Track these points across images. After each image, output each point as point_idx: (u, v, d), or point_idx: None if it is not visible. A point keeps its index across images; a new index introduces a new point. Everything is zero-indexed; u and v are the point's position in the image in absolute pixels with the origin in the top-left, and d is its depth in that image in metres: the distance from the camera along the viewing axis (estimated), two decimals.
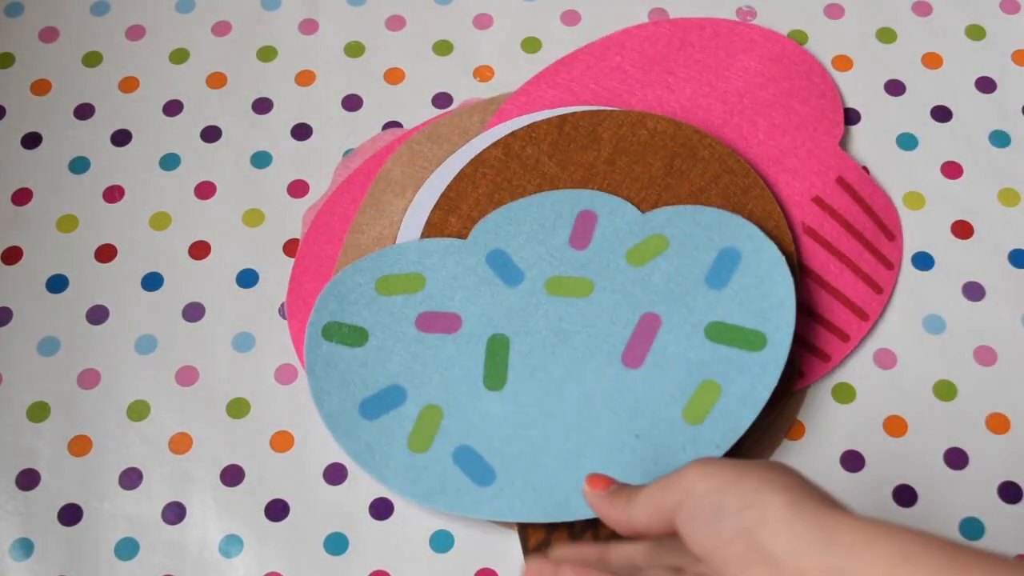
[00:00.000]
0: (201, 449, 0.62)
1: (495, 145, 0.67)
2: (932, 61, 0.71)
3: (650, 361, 0.62)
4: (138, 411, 0.63)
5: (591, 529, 0.60)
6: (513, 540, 0.60)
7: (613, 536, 0.59)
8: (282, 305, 0.65)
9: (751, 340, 0.62)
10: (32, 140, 0.69)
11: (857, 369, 0.64)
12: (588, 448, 0.60)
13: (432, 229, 0.65)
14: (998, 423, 0.62)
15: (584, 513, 0.59)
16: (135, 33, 0.72)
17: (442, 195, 0.66)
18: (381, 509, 0.61)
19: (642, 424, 0.61)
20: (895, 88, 0.70)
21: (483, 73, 0.71)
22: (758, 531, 0.45)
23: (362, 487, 0.61)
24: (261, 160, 0.69)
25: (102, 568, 0.59)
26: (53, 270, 0.66)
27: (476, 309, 0.63)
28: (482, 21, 0.73)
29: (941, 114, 0.69)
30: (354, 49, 0.72)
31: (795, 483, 0.46)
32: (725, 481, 0.47)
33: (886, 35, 0.72)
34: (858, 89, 0.70)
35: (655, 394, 0.61)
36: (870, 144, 0.69)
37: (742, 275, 0.63)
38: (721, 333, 0.62)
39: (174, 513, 0.60)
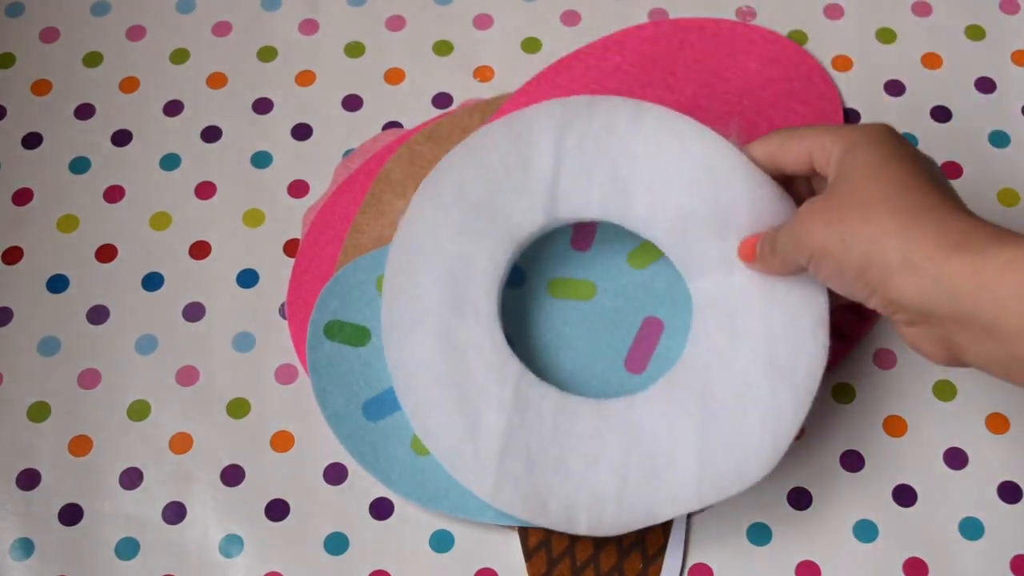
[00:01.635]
0: (201, 449, 0.62)
1: None
2: (932, 61, 0.71)
3: (653, 367, 0.62)
4: (138, 411, 0.63)
5: None
6: (513, 540, 0.60)
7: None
8: (282, 305, 0.65)
9: None
10: (32, 140, 0.69)
11: (857, 369, 0.64)
12: None
13: None
14: (998, 423, 0.62)
15: None
16: (135, 33, 0.72)
17: None
18: (381, 509, 0.61)
19: None
20: (895, 88, 0.70)
21: (483, 73, 0.71)
22: (884, 290, 0.51)
23: (362, 487, 0.61)
24: (261, 160, 0.69)
25: (102, 568, 0.59)
26: (53, 270, 0.66)
27: None
28: (482, 21, 0.73)
29: (941, 114, 0.69)
30: (354, 49, 0.72)
31: (902, 226, 0.50)
32: (836, 245, 0.52)
33: (886, 35, 0.72)
34: (858, 89, 0.70)
35: None
36: None
37: None
38: None
39: (174, 513, 0.61)
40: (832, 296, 0.58)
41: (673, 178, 0.59)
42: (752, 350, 0.58)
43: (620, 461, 0.57)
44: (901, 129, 0.69)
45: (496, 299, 0.59)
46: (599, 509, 0.57)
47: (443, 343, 0.59)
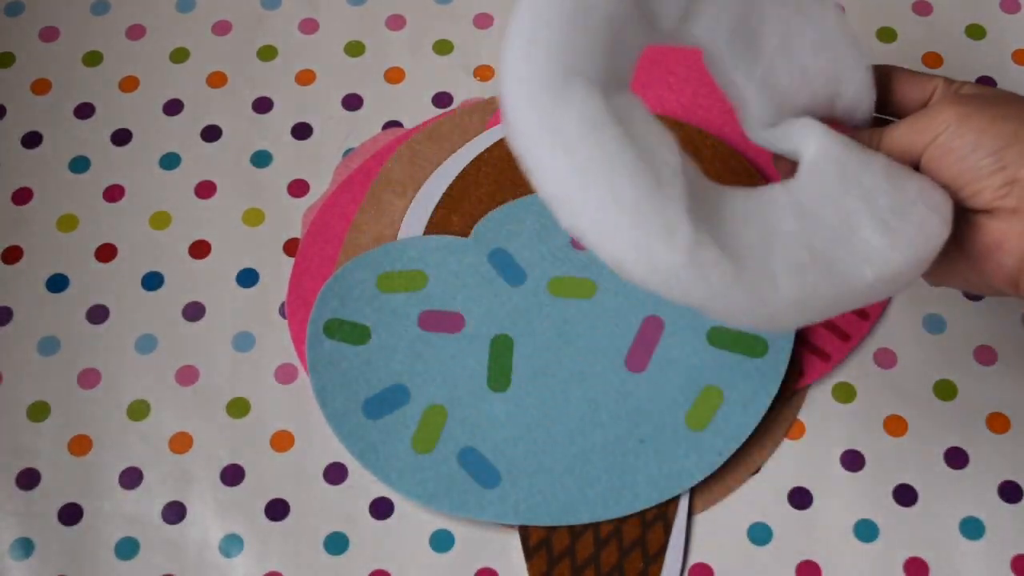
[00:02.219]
0: (201, 449, 0.62)
1: (497, 144, 0.67)
2: (932, 61, 0.71)
3: (653, 365, 0.62)
4: (138, 411, 0.63)
5: (592, 528, 0.60)
6: (514, 540, 0.60)
7: (614, 535, 0.59)
8: (282, 304, 0.65)
9: (752, 346, 0.62)
10: (32, 140, 0.69)
11: (857, 369, 0.64)
12: (592, 451, 0.60)
13: (435, 228, 0.65)
14: (998, 423, 0.62)
15: (588, 517, 0.59)
16: (135, 33, 0.72)
17: (444, 193, 0.66)
18: (381, 509, 0.61)
19: (646, 429, 0.61)
20: None
21: (483, 73, 0.71)
22: (1016, 168, 0.50)
23: (362, 487, 0.61)
24: (261, 160, 0.69)
25: (102, 568, 0.59)
26: (53, 270, 0.66)
27: (479, 309, 0.63)
28: (482, 21, 0.73)
29: None
30: (354, 49, 0.72)
31: None
32: (982, 123, 0.51)
33: (886, 35, 0.72)
34: None
35: (658, 399, 0.61)
36: None
37: None
38: (723, 338, 0.62)
39: (174, 513, 0.60)
40: None
41: (806, 46, 0.54)
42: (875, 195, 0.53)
43: (797, 235, 0.51)
44: None
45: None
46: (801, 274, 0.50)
47: (607, 102, 0.49)
